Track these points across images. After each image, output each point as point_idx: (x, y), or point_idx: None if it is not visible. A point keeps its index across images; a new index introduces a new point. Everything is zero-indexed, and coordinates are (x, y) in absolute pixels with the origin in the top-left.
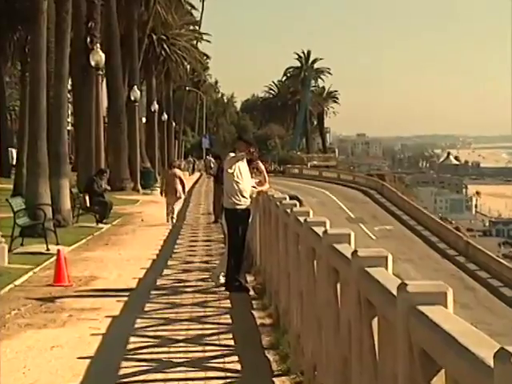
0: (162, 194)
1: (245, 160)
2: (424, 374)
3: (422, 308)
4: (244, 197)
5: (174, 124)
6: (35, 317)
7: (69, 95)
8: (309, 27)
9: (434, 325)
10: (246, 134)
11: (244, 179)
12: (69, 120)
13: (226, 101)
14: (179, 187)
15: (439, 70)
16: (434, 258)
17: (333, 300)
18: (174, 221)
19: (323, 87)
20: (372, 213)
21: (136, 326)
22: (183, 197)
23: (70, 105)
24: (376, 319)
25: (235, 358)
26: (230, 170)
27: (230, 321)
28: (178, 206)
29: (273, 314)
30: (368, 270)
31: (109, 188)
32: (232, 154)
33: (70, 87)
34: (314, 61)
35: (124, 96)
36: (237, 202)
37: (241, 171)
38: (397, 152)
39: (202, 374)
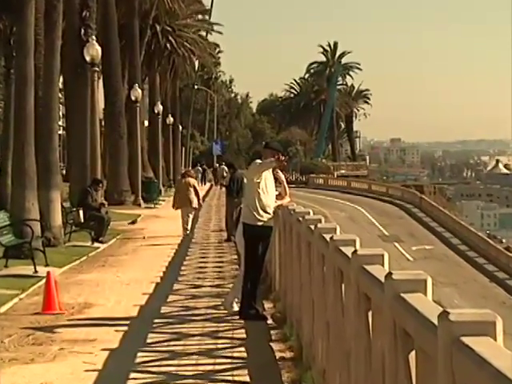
0: (173, 207)
1: (271, 170)
2: None
3: (467, 340)
4: (267, 212)
5: (180, 128)
6: (21, 350)
7: (60, 95)
8: (335, 16)
9: (480, 359)
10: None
11: (269, 192)
12: (60, 123)
13: (240, 101)
14: (194, 197)
15: (485, 67)
16: (481, 283)
17: (364, 330)
18: (188, 232)
19: (352, 85)
20: (409, 230)
21: (137, 360)
22: (196, 207)
23: (61, 106)
24: (413, 352)
25: None
26: (255, 180)
27: (245, 354)
28: (191, 217)
29: (294, 346)
30: (404, 295)
31: (105, 203)
32: (258, 161)
33: (61, 85)
34: (342, 54)
35: (123, 96)
36: (259, 217)
37: (266, 182)
38: (437, 160)
39: None
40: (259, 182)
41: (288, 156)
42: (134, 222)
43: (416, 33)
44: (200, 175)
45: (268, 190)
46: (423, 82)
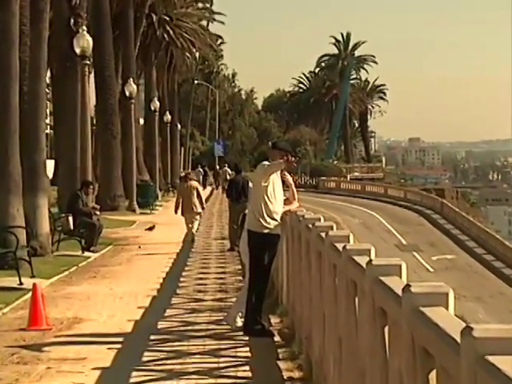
0: (176, 212)
1: (278, 173)
2: None
3: (493, 359)
4: (274, 219)
5: (179, 126)
6: (4, 369)
7: (47, 90)
8: (348, 5)
9: (507, 380)
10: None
11: (277, 197)
12: (47, 121)
13: (244, 97)
14: (197, 201)
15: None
16: (509, 296)
17: (379, 347)
18: (195, 237)
19: (367, 80)
20: (429, 238)
21: (131, 380)
22: (201, 211)
23: (48, 102)
24: (434, 372)
25: None
26: (263, 183)
27: (249, 374)
28: (196, 222)
29: (304, 365)
30: (423, 310)
31: (98, 207)
32: (266, 163)
33: (48, 80)
34: (356, 46)
35: (117, 91)
36: (265, 224)
37: (274, 186)
38: (460, 161)
39: None
40: (267, 186)
41: (298, 157)
42: (151, 229)
43: (438, 25)
44: (201, 178)
45: (276, 195)
46: (445, 76)
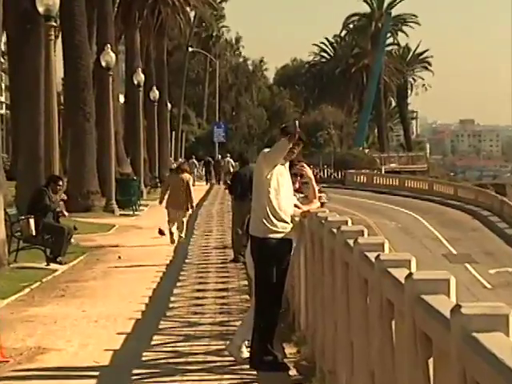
0: (161, 203)
1: (287, 165)
2: None
3: None
4: (283, 220)
5: (169, 105)
6: None
7: (2, 60)
8: None
9: None
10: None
11: (284, 192)
12: (2, 99)
13: (251, 68)
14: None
15: None
16: None
17: (422, 382)
18: (183, 235)
19: (407, 46)
20: (485, 247)
21: None
22: (190, 211)
23: (3, 74)
24: None
25: None
26: (266, 175)
27: None
28: (183, 223)
29: None
30: (477, 336)
31: (65, 197)
32: (267, 150)
33: (3, 47)
34: (392, 3)
35: (90, 61)
36: (272, 227)
37: (279, 180)
38: None
39: None
40: (270, 179)
41: (305, 139)
42: (161, 233)
43: None
44: (203, 170)
45: (281, 190)
46: (507, 41)
